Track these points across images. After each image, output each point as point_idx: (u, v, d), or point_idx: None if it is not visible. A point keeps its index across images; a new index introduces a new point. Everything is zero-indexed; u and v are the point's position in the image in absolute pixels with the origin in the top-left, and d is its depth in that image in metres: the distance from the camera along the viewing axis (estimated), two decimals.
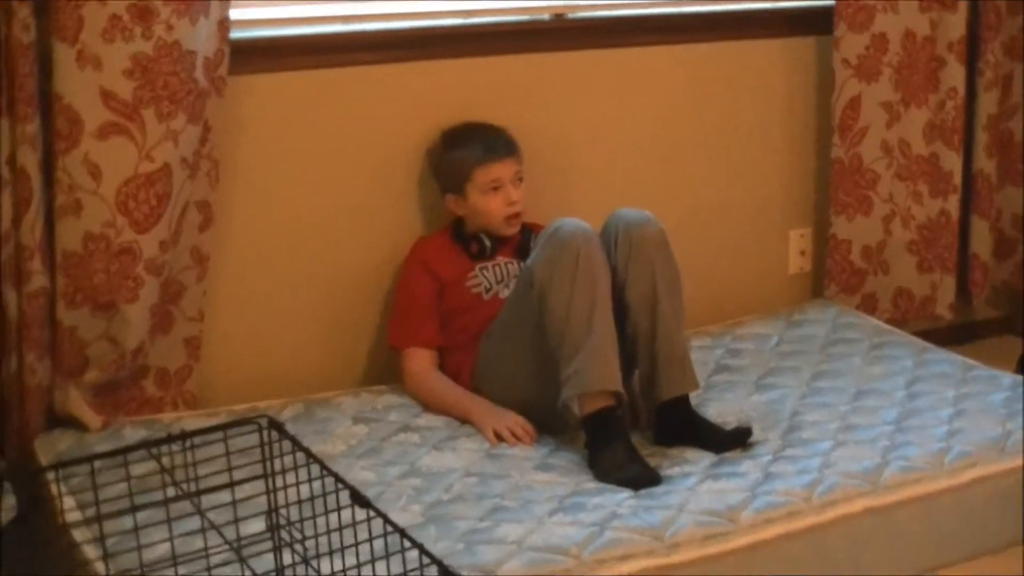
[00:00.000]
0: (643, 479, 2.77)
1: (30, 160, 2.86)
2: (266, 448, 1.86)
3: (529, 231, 3.29)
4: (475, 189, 3.24)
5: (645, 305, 3.00)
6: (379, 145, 3.33)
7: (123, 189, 2.90)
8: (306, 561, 1.79)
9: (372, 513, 1.66)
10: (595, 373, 2.88)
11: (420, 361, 3.21)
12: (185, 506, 1.86)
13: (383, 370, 3.37)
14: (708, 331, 3.63)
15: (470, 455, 2.91)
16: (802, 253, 3.90)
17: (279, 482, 1.89)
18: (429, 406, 3.15)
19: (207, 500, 1.94)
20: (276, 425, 1.88)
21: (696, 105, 3.68)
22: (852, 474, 2.76)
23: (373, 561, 1.68)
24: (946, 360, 3.38)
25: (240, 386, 3.26)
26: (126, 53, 2.86)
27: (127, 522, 2.05)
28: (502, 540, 2.51)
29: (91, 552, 2.42)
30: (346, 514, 1.81)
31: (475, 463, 2.87)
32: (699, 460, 2.87)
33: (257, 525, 2.01)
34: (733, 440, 2.95)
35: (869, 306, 3.84)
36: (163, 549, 1.98)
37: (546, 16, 3.48)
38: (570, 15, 3.50)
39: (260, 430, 1.85)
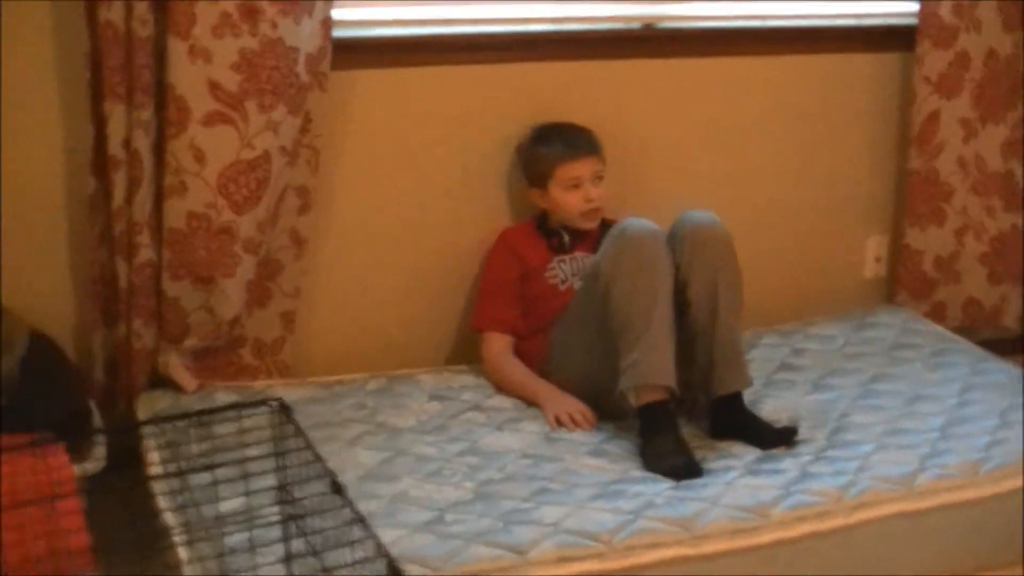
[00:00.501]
0: (685, 470, 2.72)
1: (143, 143, 2.92)
2: (276, 428, 1.86)
3: (608, 228, 3.24)
4: (556, 185, 3.21)
5: (705, 304, 2.94)
6: (472, 140, 3.32)
7: (225, 173, 2.94)
8: (305, 534, 1.80)
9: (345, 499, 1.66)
10: (650, 367, 2.83)
11: (497, 344, 3.20)
12: (226, 472, 1.87)
13: (467, 350, 3.35)
14: (780, 329, 3.55)
15: (530, 437, 2.89)
16: (877, 259, 3.78)
17: (291, 460, 1.89)
18: (501, 387, 3.15)
19: (234, 472, 1.95)
20: (285, 408, 1.88)
21: (781, 114, 3.60)
22: (887, 478, 2.68)
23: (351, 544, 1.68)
24: (1003, 370, 3.25)
25: (332, 358, 3.30)
26: (234, 48, 2.90)
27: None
28: (540, 521, 2.50)
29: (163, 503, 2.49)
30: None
31: (532, 445, 2.86)
32: (744, 455, 2.82)
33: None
34: (779, 438, 2.88)
35: (939, 313, 3.71)
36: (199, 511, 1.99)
37: (637, 24, 3.41)
38: (660, 25, 3.42)
39: (272, 412, 1.85)
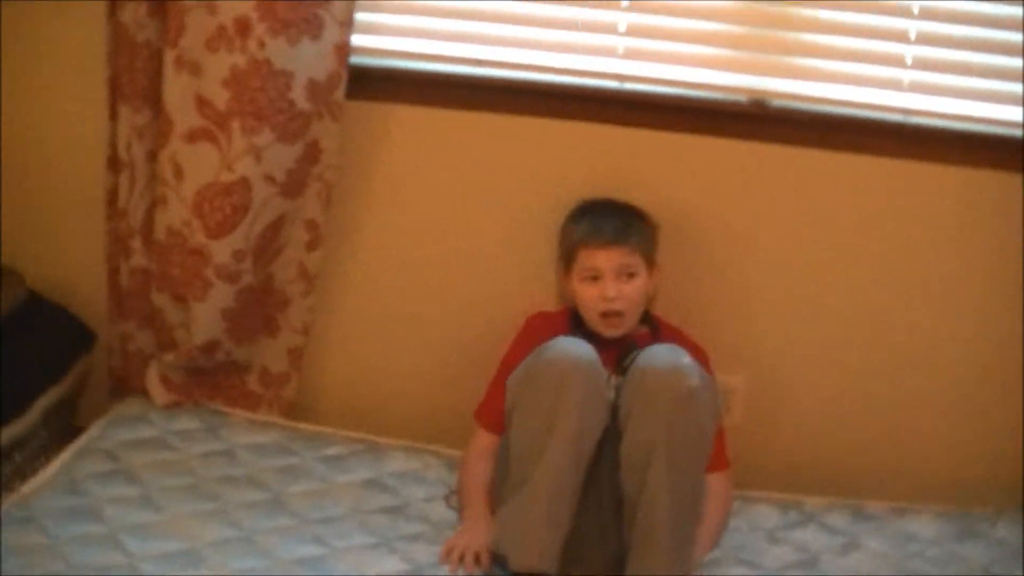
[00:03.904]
0: None
1: (136, 149, 2.51)
2: None
3: (657, 335, 2.32)
4: (576, 273, 2.35)
5: (636, 467, 2.02)
6: (522, 201, 2.55)
7: (201, 192, 2.42)
8: None
9: None
10: (515, 531, 2.01)
11: (480, 443, 2.40)
12: None
13: None
14: (864, 510, 2.39)
15: (401, 567, 2.13)
16: None
17: None
18: (458, 491, 2.35)
19: None
20: None
21: (926, 233, 2.43)
22: None
23: None
24: None
25: (336, 406, 2.68)
26: (227, 64, 2.35)
27: None
28: None
29: None
30: None
31: None
32: None
33: None
34: None
35: None
36: None
37: (743, 98, 2.39)
38: (773, 102, 2.38)
39: None
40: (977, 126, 2.33)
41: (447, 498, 2.34)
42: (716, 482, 2.26)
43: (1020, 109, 2.31)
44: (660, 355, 2.03)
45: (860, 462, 2.50)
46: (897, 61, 2.30)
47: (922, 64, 2.30)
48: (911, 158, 2.34)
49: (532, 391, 2.02)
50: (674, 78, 2.40)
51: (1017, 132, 2.32)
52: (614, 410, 2.06)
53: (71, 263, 2.71)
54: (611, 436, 2.05)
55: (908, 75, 2.31)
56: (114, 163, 2.55)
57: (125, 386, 2.68)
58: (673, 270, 2.45)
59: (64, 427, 2.65)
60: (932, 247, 2.41)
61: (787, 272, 2.46)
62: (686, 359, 2.03)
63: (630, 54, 2.39)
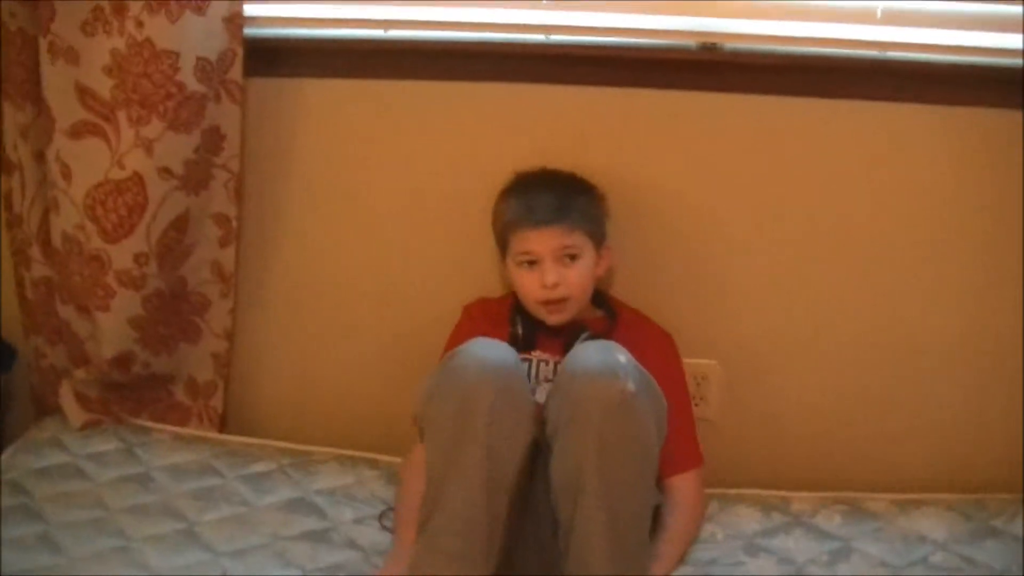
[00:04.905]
0: None
1: (23, 149, 2.27)
2: None
3: (584, 326, 2.03)
4: (511, 258, 2.07)
5: (568, 488, 1.75)
6: (454, 178, 2.26)
7: (92, 194, 2.18)
8: None
9: None
10: (428, 564, 1.69)
11: (417, 453, 2.11)
12: None
13: None
14: (862, 506, 2.09)
15: None
16: None
17: None
18: (394, 508, 2.10)
19: None
20: None
21: (916, 187, 2.09)
22: None
23: None
24: None
25: (272, 417, 2.43)
26: (106, 48, 2.10)
27: None
28: None
29: None
30: None
31: None
32: None
33: None
34: None
35: None
36: None
37: (692, 44, 2.07)
38: (726, 46, 2.06)
39: None
40: (967, 57, 1.97)
41: (381, 517, 2.09)
42: (682, 485, 2.00)
43: (1020, 36, 1.97)
44: (589, 356, 1.75)
45: (854, 453, 2.19)
46: None
47: None
48: (891, 100, 2.00)
49: (437, 404, 1.75)
50: (610, 25, 2.09)
51: (1016, 61, 1.97)
52: (544, 420, 1.79)
53: None
54: (545, 448, 1.78)
55: (882, 4, 1.97)
56: (6, 165, 2.33)
57: (45, 405, 2.48)
58: (630, 244, 2.17)
59: None
60: (923, 202, 2.07)
61: (760, 240, 2.15)
62: (621, 357, 1.74)
63: (557, 2, 2.08)
